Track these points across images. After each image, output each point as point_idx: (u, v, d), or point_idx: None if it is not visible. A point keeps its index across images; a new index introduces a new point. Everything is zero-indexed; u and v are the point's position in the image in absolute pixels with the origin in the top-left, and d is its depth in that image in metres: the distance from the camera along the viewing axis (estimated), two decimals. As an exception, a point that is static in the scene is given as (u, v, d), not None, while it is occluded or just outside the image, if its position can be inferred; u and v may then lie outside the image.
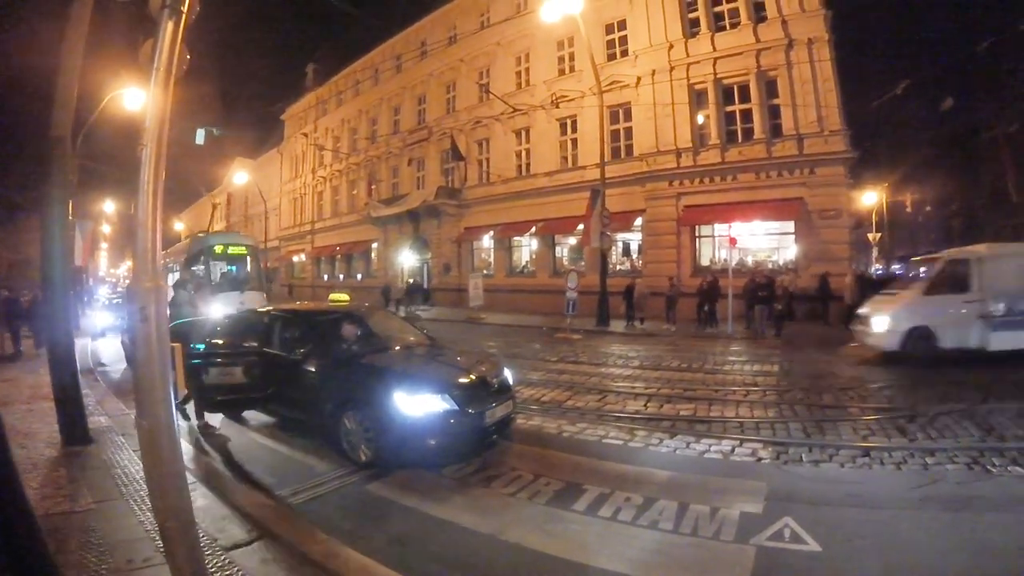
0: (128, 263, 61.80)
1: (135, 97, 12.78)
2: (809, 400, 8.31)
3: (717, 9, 21.78)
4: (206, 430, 7.24)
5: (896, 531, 4.05)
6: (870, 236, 30.81)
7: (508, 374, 6.79)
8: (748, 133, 20.93)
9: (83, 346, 12.31)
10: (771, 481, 5.09)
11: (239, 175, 40.12)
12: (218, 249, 20.33)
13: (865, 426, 6.83)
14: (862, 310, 12.44)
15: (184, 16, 2.91)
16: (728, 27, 21.47)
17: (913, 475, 5.16)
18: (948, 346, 10.93)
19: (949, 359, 10.67)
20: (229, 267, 20.66)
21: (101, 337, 18.09)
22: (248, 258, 20.96)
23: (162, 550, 3.48)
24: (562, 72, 26.21)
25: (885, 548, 3.81)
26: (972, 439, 6.08)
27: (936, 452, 5.68)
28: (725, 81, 21.37)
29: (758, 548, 3.88)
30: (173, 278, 20.09)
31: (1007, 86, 28.29)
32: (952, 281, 11.36)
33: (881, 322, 11.55)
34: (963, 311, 10.92)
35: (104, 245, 47.82)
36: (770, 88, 20.59)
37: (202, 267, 19.46)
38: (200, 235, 22.61)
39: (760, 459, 5.84)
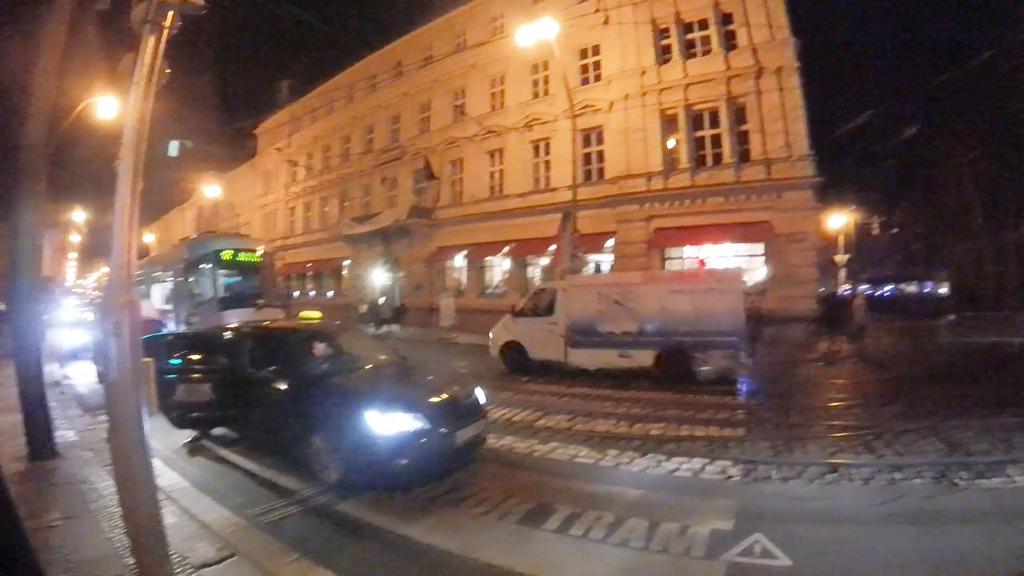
0: (97, 274, 60.22)
1: (108, 106, 12.62)
2: (776, 418, 8.45)
3: (689, 37, 22.28)
4: (192, 444, 7.12)
5: (865, 545, 4.14)
6: (837, 258, 31.49)
7: (480, 394, 6.78)
8: (717, 158, 21.37)
9: (50, 372, 11.27)
10: (741, 498, 5.18)
11: (210, 188, 39.52)
12: (226, 256, 16.32)
13: (832, 443, 6.96)
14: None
15: (165, 31, 2.93)
16: (699, 54, 21.98)
17: (880, 490, 5.28)
18: (538, 358, 13.41)
19: (539, 369, 13.05)
20: (238, 278, 16.83)
21: (72, 360, 15.97)
22: (261, 267, 17.38)
23: (131, 567, 3.42)
24: (536, 95, 26.52)
25: (854, 562, 3.90)
26: (938, 454, 6.24)
27: (903, 467, 5.81)
28: (695, 107, 21.83)
29: (728, 563, 3.94)
30: (161, 290, 18.28)
31: (968, 115, 29.41)
32: (542, 306, 13.88)
33: (492, 338, 14.54)
34: (549, 331, 13.23)
35: (72, 255, 46.58)
36: (739, 114, 21.08)
37: (206, 277, 16.03)
38: (202, 237, 18.41)
39: (730, 477, 5.92)
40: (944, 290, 36.70)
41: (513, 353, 13.87)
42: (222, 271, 16.10)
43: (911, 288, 41.40)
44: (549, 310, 13.55)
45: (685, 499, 5.26)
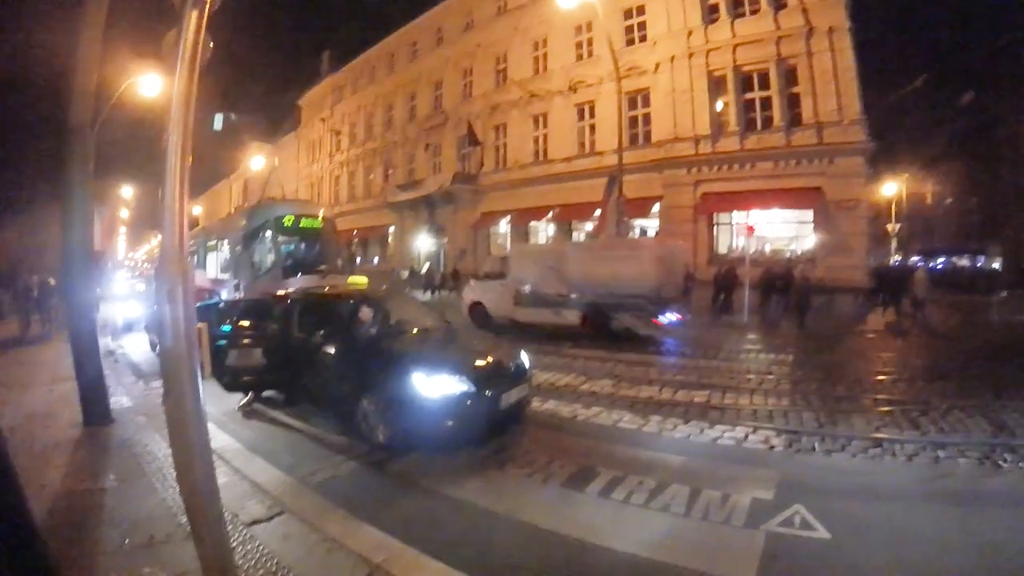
0: (147, 247, 62.26)
1: (152, 84, 12.93)
2: (822, 390, 8.31)
3: (737, -5, 21.49)
4: (244, 408, 7.39)
5: (905, 523, 4.07)
6: (888, 227, 30.36)
7: (525, 358, 6.85)
8: (767, 121, 20.73)
9: (104, 343, 10.99)
10: (783, 469, 5.13)
11: (256, 160, 40.26)
12: (287, 221, 15.78)
13: (878, 418, 6.81)
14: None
15: (207, 6, 2.96)
16: (748, 14, 21.21)
17: (924, 468, 5.16)
18: (496, 316, 14.98)
19: (496, 326, 14.33)
20: (300, 244, 16.21)
21: (125, 333, 15.72)
22: (322, 233, 16.73)
23: (184, 526, 3.61)
24: (580, 58, 26.05)
25: (894, 539, 3.83)
26: (984, 435, 6.03)
27: (947, 446, 5.65)
28: (744, 68, 21.13)
29: (768, 533, 3.92)
30: (217, 259, 18.16)
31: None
32: (498, 271, 15.91)
33: (463, 298, 16.70)
34: (502, 292, 14.85)
35: (122, 229, 48.31)
36: (789, 76, 20.33)
37: (267, 245, 15.54)
38: (262, 203, 17.80)
39: (772, 447, 5.87)
40: (997, 265, 35.03)
41: (478, 312, 15.51)
42: (283, 238, 15.69)
43: (964, 262, 39.72)
44: (502, 275, 15.49)
45: (727, 467, 5.23)
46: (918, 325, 14.80)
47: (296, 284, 12.05)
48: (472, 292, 16.25)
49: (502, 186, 29.12)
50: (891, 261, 29.70)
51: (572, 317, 13.47)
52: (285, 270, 14.60)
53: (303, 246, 16.14)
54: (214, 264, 18.40)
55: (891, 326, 15.54)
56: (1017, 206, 31.60)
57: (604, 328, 13.05)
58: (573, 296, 13.55)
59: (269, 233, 15.43)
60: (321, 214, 17.24)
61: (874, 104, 20.33)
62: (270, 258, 15.37)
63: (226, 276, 16.83)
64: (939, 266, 36.08)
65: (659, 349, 12.17)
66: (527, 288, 14.36)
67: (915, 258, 35.30)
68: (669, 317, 13.03)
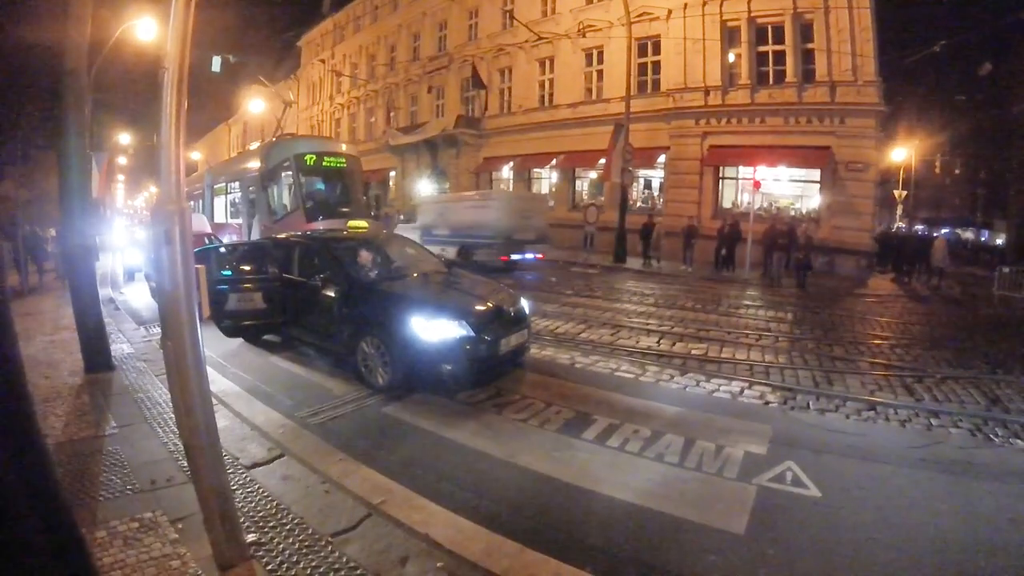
0: (146, 194, 61.53)
1: (148, 28, 12.57)
2: (819, 350, 8.35)
3: (756, -59, 20.63)
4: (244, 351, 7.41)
5: (895, 486, 4.12)
6: (896, 193, 29.99)
7: (525, 304, 6.87)
8: (779, 76, 20.19)
9: (105, 293, 11.10)
10: (776, 425, 5.20)
11: (256, 102, 39.39)
12: (309, 159, 14.38)
13: (873, 381, 6.87)
14: None
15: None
16: (766, -37, 20.39)
17: (916, 434, 5.22)
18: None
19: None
20: (323, 184, 14.99)
21: (126, 281, 15.16)
22: (348, 173, 15.45)
23: (184, 470, 3.65)
24: (589, 1, 25.19)
25: (882, 502, 3.89)
26: (977, 407, 6.08)
27: (940, 415, 5.70)
28: (759, 20, 20.43)
29: (759, 488, 4.00)
30: (228, 202, 17.34)
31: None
32: (412, 216, 21.00)
33: None
34: (412, 233, 16.95)
35: (121, 177, 47.70)
36: (805, 31, 19.68)
37: (288, 185, 14.32)
38: (281, 140, 16.11)
39: (768, 403, 5.95)
40: (1000, 241, 34.88)
41: None
42: (305, 178, 14.37)
43: (968, 234, 39.52)
44: (413, 219, 20.10)
45: (722, 420, 5.29)
46: (935, 292, 15.11)
47: (319, 228, 11.51)
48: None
49: (506, 131, 28.63)
50: (895, 227, 29.46)
51: (452, 252, 16.73)
52: (308, 212, 13.62)
53: (327, 186, 15.01)
54: (222, 208, 17.79)
55: (908, 291, 15.92)
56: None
57: (471, 261, 16.18)
58: (452, 235, 17.68)
59: (290, 172, 14.15)
60: (345, 150, 16.03)
61: (889, 67, 19.78)
62: (291, 200, 14.26)
63: (238, 221, 16.21)
64: (930, 235, 36.10)
65: (513, 279, 15.05)
66: (425, 229, 18.64)
67: (919, 226, 35.09)
68: (523, 255, 16.83)
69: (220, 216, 17.65)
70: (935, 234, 26.82)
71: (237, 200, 16.51)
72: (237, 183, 16.38)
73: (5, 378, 0.98)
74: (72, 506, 1.24)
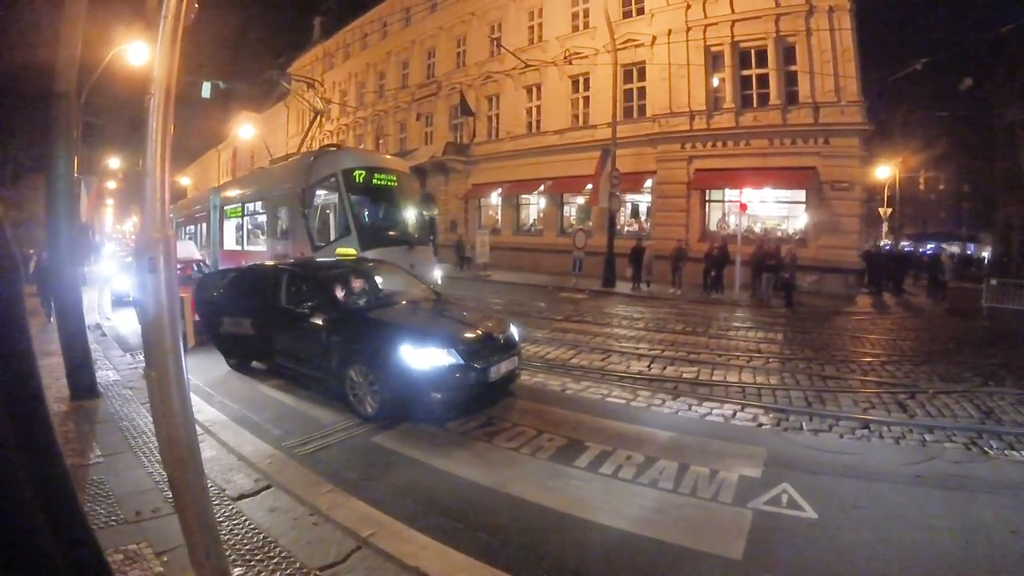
0: (135, 219, 61.35)
1: (139, 52, 12.60)
2: (811, 370, 8.34)
3: (737, -31, 21.10)
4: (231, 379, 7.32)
5: (892, 504, 4.09)
6: (881, 211, 30.38)
7: (515, 330, 6.80)
8: (763, 98, 20.51)
9: (92, 319, 10.90)
10: (771, 447, 5.16)
11: (245, 129, 39.55)
12: (358, 176, 11.95)
13: (865, 399, 6.86)
14: None
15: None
16: (747, -11, 20.84)
17: (911, 451, 5.20)
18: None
19: None
20: (374, 206, 12.54)
21: (114, 307, 14.55)
22: (401, 193, 13.07)
23: (170, 500, 3.55)
24: (576, 29, 25.60)
25: (880, 520, 3.85)
26: (971, 420, 6.08)
27: (935, 430, 5.70)
28: (743, 44, 20.81)
29: (755, 512, 3.95)
30: (244, 225, 15.18)
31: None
32: None
33: None
34: None
35: (109, 201, 47.47)
36: (788, 54, 20.05)
37: (334, 206, 12.04)
38: (326, 151, 13.34)
39: (761, 425, 5.91)
40: (986, 254, 35.38)
41: None
42: (355, 197, 11.85)
43: (954, 249, 40.13)
44: None
45: (715, 444, 5.25)
46: (939, 303, 15.84)
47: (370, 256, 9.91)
48: None
49: (494, 157, 28.84)
50: (880, 245, 29.80)
51: None
52: (363, 238, 11.24)
53: (378, 208, 12.62)
54: (234, 233, 15.74)
55: (900, 305, 16.56)
56: (1009, 196, 31.70)
57: None
58: None
59: (338, 191, 11.69)
60: (397, 167, 13.55)
61: (872, 86, 20.16)
62: (336, 223, 12.00)
63: (258, 248, 14.21)
64: (929, 252, 36.56)
65: None
66: None
67: (904, 243, 35.49)
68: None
69: (231, 242, 15.79)
70: (930, 250, 27.23)
71: (260, 223, 14.47)
72: (260, 203, 14.27)
73: (22, 375, 0.98)
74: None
